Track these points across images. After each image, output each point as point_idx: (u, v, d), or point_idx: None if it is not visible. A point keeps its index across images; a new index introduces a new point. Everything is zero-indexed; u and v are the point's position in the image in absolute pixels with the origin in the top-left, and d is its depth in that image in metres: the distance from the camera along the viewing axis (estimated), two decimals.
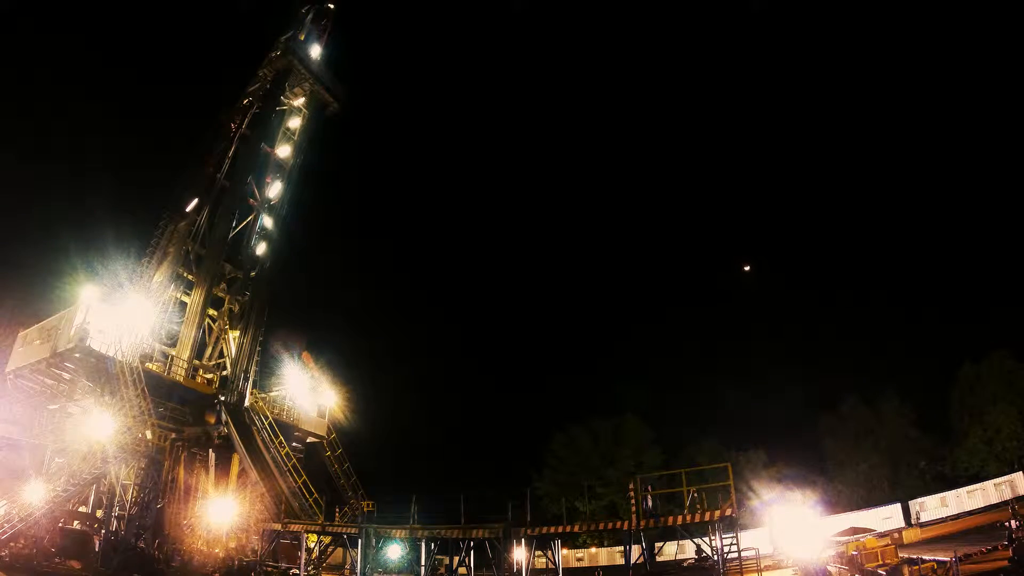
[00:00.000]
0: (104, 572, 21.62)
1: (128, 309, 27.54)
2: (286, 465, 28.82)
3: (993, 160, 72.14)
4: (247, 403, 31.29)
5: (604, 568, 36.50)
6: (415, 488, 22.68)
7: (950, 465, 43.01)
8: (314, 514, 26.21)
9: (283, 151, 38.64)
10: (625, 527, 19.29)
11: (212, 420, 29.22)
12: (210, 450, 28.79)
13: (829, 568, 18.45)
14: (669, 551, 26.80)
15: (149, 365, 28.96)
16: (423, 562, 21.85)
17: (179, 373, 30.03)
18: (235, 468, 29.18)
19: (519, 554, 19.98)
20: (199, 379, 31.70)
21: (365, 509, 28.43)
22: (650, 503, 19.29)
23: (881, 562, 18.06)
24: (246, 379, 32.06)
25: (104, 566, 21.92)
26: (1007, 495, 27.95)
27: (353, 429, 36.29)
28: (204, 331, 33.38)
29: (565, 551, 37.09)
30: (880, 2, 79.97)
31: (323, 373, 35.46)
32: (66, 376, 27.65)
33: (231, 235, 35.37)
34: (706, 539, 17.77)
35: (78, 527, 24.53)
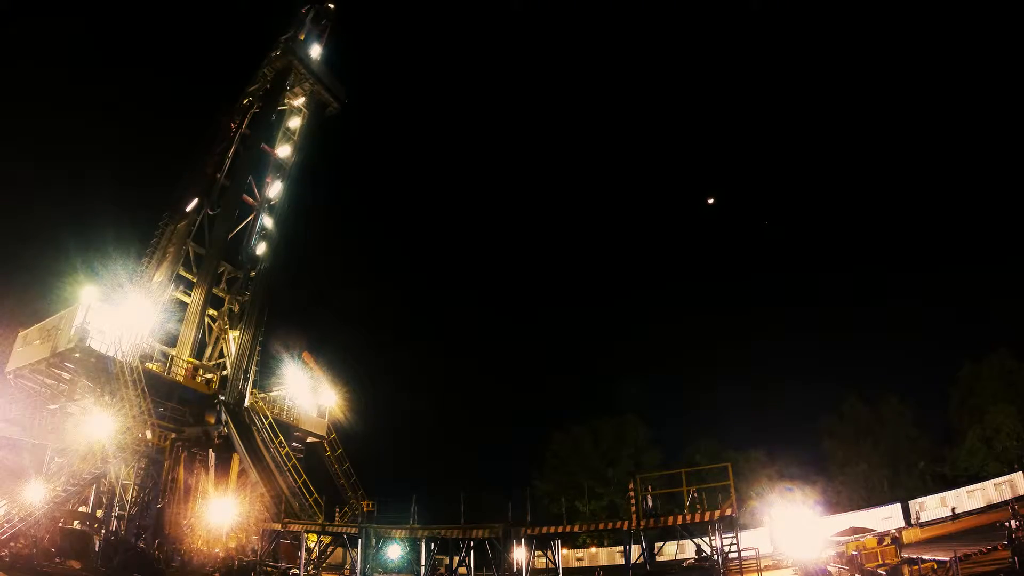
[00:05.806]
0: (104, 572, 21.60)
1: (128, 309, 27.52)
2: (286, 465, 28.83)
3: (993, 160, 72.17)
4: (247, 403, 31.28)
5: (604, 568, 36.42)
6: (415, 488, 22.75)
7: (950, 465, 43.04)
8: (314, 514, 26.22)
9: (283, 151, 38.65)
10: (625, 527, 19.28)
11: (212, 420, 29.22)
12: (210, 450, 28.74)
13: (829, 568, 18.42)
14: (669, 551, 26.73)
15: (149, 365, 28.93)
16: (423, 562, 21.84)
17: (179, 373, 30.04)
18: (235, 468, 29.15)
19: (519, 554, 19.95)
20: (199, 379, 31.68)
21: (365, 509, 28.43)
22: (650, 503, 19.28)
23: (881, 562, 18.02)
24: (246, 379, 32.05)
25: (104, 566, 21.91)
26: (1007, 495, 27.93)
27: (353, 429, 36.32)
28: (204, 331, 33.39)
29: (565, 551, 37.07)
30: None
31: (323, 373, 35.46)
32: (66, 376, 27.63)
33: (231, 235, 35.40)
34: (706, 539, 17.75)
35: (78, 527, 24.47)
